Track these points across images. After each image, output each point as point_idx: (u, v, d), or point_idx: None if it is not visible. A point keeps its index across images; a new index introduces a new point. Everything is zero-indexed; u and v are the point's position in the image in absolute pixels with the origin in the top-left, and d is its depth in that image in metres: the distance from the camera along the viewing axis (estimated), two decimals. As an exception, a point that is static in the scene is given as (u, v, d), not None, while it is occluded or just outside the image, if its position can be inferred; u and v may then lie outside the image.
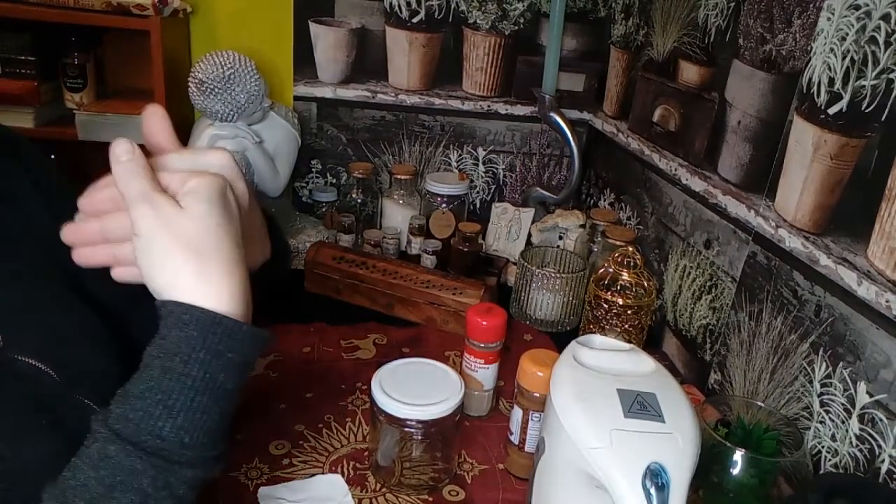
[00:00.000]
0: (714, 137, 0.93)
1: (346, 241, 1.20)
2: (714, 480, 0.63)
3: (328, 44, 1.30)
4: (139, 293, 0.69)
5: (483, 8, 1.30)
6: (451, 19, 1.30)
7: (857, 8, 0.67)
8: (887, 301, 0.63)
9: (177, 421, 0.40)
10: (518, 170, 1.44)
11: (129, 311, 0.67)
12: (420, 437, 0.69)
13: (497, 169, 1.43)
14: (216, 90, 1.06)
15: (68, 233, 0.47)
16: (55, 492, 0.39)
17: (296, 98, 1.33)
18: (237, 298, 0.43)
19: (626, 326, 0.93)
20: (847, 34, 0.68)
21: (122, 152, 0.43)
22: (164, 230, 0.42)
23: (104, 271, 0.49)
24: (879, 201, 0.64)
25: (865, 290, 0.65)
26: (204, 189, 0.43)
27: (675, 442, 0.52)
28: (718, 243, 0.91)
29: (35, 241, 0.58)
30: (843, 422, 0.68)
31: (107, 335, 0.60)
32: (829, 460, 0.69)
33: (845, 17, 0.69)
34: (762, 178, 0.82)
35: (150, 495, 0.39)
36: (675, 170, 1.03)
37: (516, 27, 1.32)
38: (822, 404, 0.71)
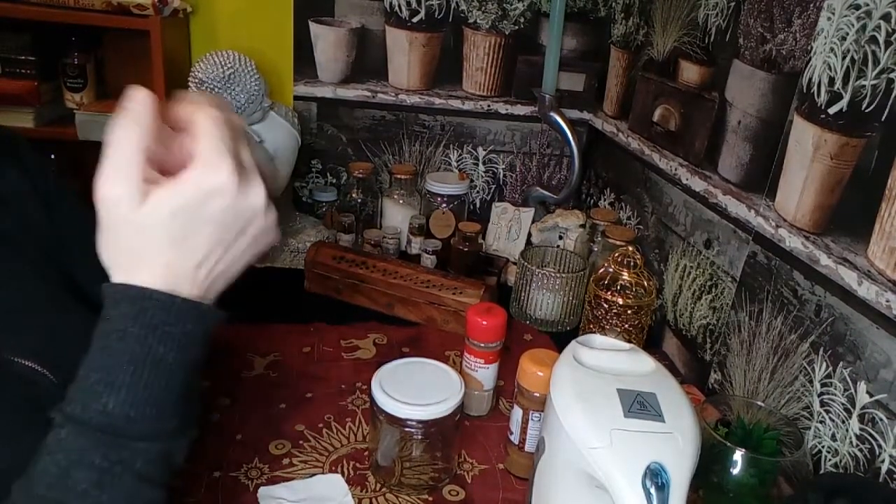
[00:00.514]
0: (714, 137, 0.93)
1: (346, 241, 1.20)
2: (714, 480, 0.63)
3: (328, 43, 1.30)
4: None
5: (483, 7, 1.30)
6: (451, 19, 1.30)
7: (858, 7, 0.67)
8: (887, 301, 0.63)
9: (120, 395, 0.40)
10: (518, 169, 1.44)
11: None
12: (420, 437, 0.69)
13: (497, 169, 1.43)
14: (216, 90, 1.06)
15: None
16: (22, 482, 0.40)
17: (296, 98, 1.33)
18: (182, 277, 0.42)
19: (626, 326, 0.93)
20: (847, 34, 0.68)
21: (133, 100, 0.40)
22: (119, 227, 0.40)
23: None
24: (879, 201, 0.64)
25: (866, 290, 0.65)
26: (181, 193, 0.40)
27: (675, 442, 0.52)
28: (718, 243, 0.91)
29: (33, 242, 0.58)
30: (843, 421, 0.68)
31: None
32: (830, 460, 0.69)
33: (845, 16, 0.69)
34: (762, 177, 0.82)
35: (105, 470, 0.39)
36: (676, 169, 1.03)
37: (516, 27, 1.32)
38: (823, 404, 0.71)
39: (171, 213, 0.40)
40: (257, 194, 0.43)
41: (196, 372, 0.44)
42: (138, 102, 0.41)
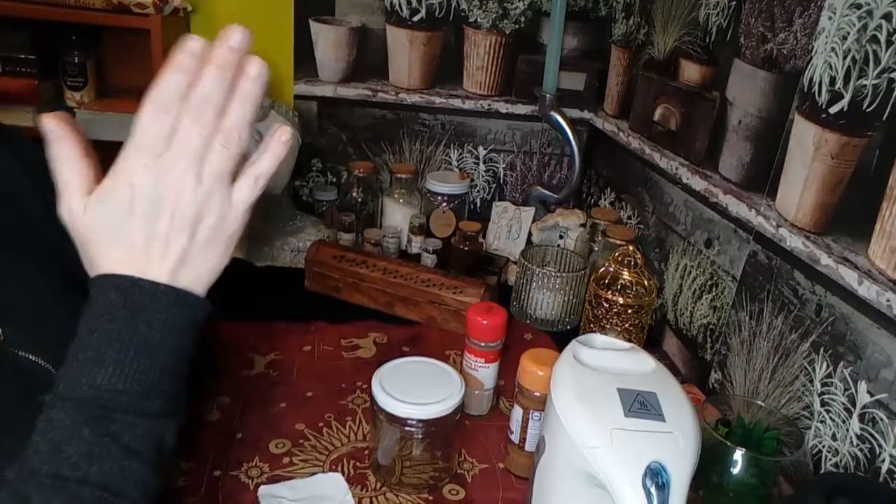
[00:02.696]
0: (715, 136, 0.93)
1: (347, 240, 1.20)
2: (714, 480, 0.63)
3: (329, 42, 1.30)
4: None
5: (484, 6, 1.29)
6: (451, 18, 1.30)
7: (859, 7, 0.67)
8: (888, 300, 0.62)
9: (107, 371, 0.42)
10: (518, 169, 1.43)
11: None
12: (420, 436, 0.69)
13: (497, 168, 1.43)
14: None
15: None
16: (16, 465, 0.41)
17: (296, 97, 1.33)
18: (165, 266, 0.44)
19: (627, 325, 0.93)
20: (848, 33, 0.68)
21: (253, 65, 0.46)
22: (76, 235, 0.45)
23: None
24: (880, 200, 0.64)
25: (866, 290, 0.65)
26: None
27: (676, 441, 0.52)
28: (719, 242, 0.91)
29: (35, 240, 0.58)
30: (843, 421, 0.68)
31: None
32: (830, 460, 0.69)
33: (846, 16, 0.69)
34: (763, 177, 0.82)
35: (93, 443, 0.41)
36: (676, 169, 1.03)
37: (517, 26, 1.32)
38: (823, 404, 0.71)
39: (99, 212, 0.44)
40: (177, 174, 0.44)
41: (184, 360, 0.45)
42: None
